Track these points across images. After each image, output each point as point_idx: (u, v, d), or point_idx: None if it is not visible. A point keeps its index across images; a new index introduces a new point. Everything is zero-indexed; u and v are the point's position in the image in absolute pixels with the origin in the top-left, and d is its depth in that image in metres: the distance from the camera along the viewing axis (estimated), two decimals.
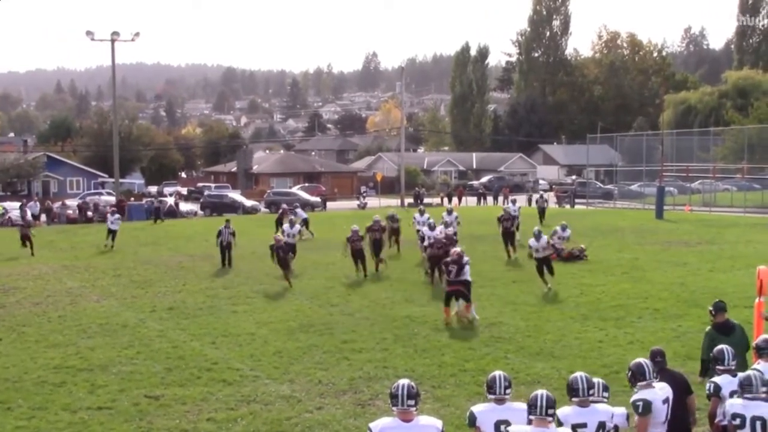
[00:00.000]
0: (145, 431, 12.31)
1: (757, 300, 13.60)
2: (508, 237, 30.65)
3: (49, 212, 55.84)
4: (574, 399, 7.84)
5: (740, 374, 8.71)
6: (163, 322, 20.08)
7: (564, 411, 7.79)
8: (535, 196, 45.95)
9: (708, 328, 11.49)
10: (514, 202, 39.25)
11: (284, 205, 44.75)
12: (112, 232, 36.74)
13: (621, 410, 8.28)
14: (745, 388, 8.40)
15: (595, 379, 8.35)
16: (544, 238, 23.60)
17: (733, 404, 8.40)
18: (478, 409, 7.97)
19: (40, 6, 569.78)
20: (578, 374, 7.99)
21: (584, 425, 7.70)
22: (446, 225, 30.20)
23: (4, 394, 14.16)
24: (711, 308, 11.79)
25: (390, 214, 33.84)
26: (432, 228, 28.44)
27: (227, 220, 31.41)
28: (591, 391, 7.88)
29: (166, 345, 17.60)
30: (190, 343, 17.68)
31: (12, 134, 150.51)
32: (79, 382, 14.83)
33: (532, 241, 23.51)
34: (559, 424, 7.67)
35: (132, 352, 17.03)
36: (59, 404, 13.56)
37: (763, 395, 8.34)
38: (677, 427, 8.77)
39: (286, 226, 30.66)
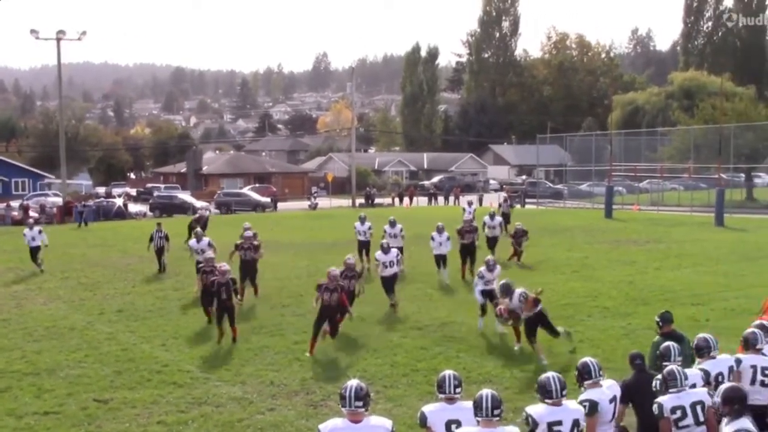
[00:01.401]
0: None
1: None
2: (468, 253, 25.72)
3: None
4: (547, 400, 7.87)
5: (665, 370, 8.77)
6: (112, 324, 19.83)
7: (537, 409, 7.79)
8: (499, 199, 43.38)
9: (656, 337, 11.61)
10: (470, 204, 38.56)
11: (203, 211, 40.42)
12: (34, 251, 29.05)
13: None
14: (670, 383, 8.50)
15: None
16: (498, 268, 19.19)
17: (668, 399, 8.44)
18: (428, 408, 7.98)
19: None
20: (550, 374, 7.98)
21: (560, 423, 7.73)
22: (391, 237, 26.12)
23: None
24: (658, 319, 11.83)
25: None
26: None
27: (158, 224, 29.68)
28: (564, 392, 7.90)
29: (115, 348, 17.39)
30: (140, 346, 17.50)
31: None
32: (24, 387, 14.59)
33: (483, 270, 18.60)
34: (534, 423, 7.69)
35: (80, 355, 16.80)
36: (4, 409, 13.33)
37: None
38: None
39: (192, 242, 24.81)
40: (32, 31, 57.39)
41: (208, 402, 13.49)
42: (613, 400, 8.66)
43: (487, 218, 29.64)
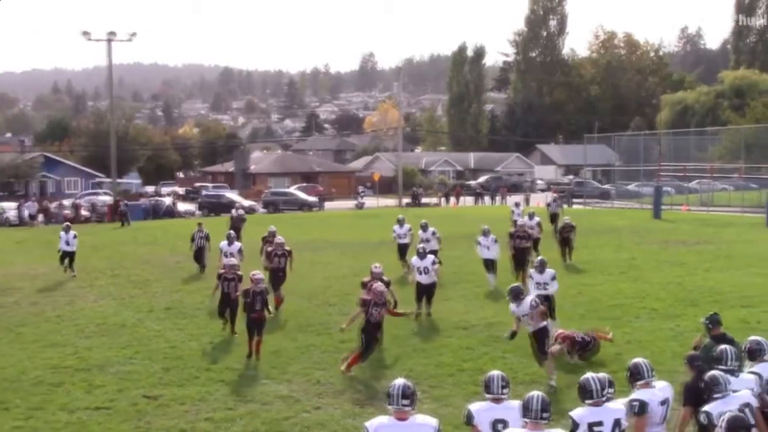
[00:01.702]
0: (143, 431, 12.29)
1: None
2: (523, 260, 23.90)
3: (46, 212, 55.76)
4: (587, 401, 7.82)
5: (706, 375, 8.60)
6: (161, 321, 20.06)
7: (578, 412, 7.77)
8: (547, 199, 41.79)
9: (706, 340, 11.45)
10: (517, 205, 37.90)
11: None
12: (68, 255, 27.95)
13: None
14: (714, 389, 8.36)
15: (604, 375, 8.34)
16: (551, 271, 17.65)
17: (714, 406, 8.19)
18: (475, 407, 7.98)
19: (37, 6, 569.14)
20: (590, 375, 7.96)
21: (600, 423, 7.69)
22: (424, 241, 24.72)
23: (1, 395, 14.14)
24: (707, 321, 11.66)
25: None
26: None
27: (199, 224, 29.41)
28: (605, 392, 7.86)
29: (163, 345, 17.59)
30: (188, 343, 17.67)
31: (9, 134, 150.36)
32: (76, 382, 14.82)
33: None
34: (575, 424, 7.66)
35: (130, 351, 17.02)
36: (57, 404, 13.55)
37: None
38: None
39: (223, 243, 24.06)
40: (84, 33, 58.20)
41: (255, 400, 13.58)
42: (665, 402, 8.57)
43: (526, 219, 29.51)
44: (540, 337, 14.20)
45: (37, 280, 26.86)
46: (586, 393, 7.83)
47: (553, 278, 17.48)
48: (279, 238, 22.66)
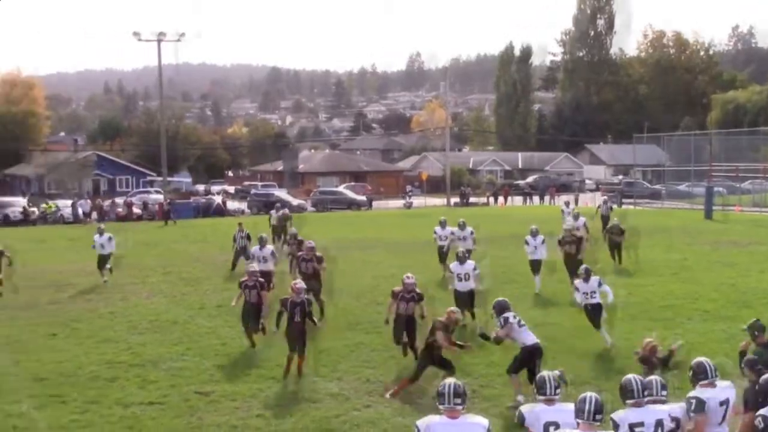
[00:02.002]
0: (195, 427, 12.41)
1: None
2: (573, 265, 22.49)
3: (100, 210, 56.53)
4: (628, 401, 7.76)
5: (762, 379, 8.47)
6: (212, 319, 20.24)
7: (619, 414, 7.70)
8: (597, 200, 40.11)
9: (754, 347, 11.24)
10: (567, 204, 37.50)
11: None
12: (105, 259, 26.55)
13: (678, 405, 8.18)
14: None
15: (653, 378, 8.25)
16: (596, 279, 16.97)
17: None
18: (527, 409, 7.95)
19: (88, 7, 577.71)
20: (631, 376, 7.91)
21: (641, 424, 7.61)
22: (461, 240, 25.31)
23: (59, 388, 14.37)
24: (750, 329, 11.37)
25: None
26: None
27: (240, 224, 29.49)
28: (646, 392, 7.79)
29: (215, 342, 17.74)
30: (239, 340, 17.78)
31: (63, 134, 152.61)
32: (130, 378, 15.01)
33: (578, 282, 16.95)
34: (615, 425, 7.60)
35: (182, 348, 17.20)
36: (112, 399, 13.73)
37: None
38: None
39: (255, 248, 22.84)
40: (134, 34, 59.00)
41: (305, 397, 13.64)
42: (724, 402, 8.44)
43: (570, 219, 29.03)
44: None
45: (90, 276, 27.20)
46: (626, 393, 7.77)
47: (600, 284, 16.69)
48: (309, 243, 21.15)
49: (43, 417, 12.90)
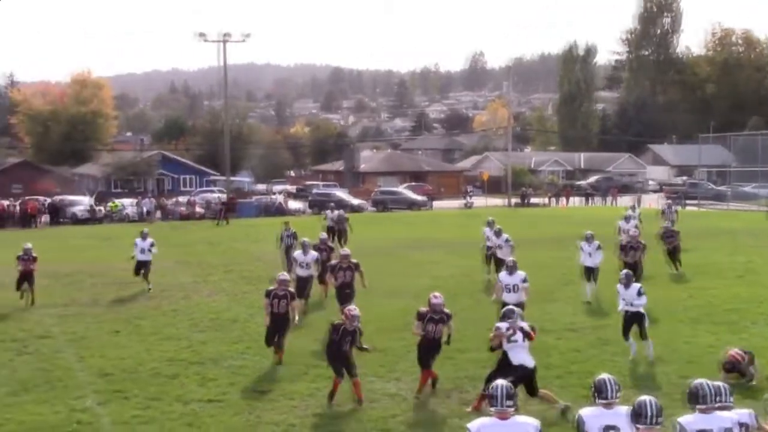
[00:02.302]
0: (253, 425, 12.54)
1: None
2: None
3: (163, 209, 57.36)
4: (698, 406, 7.62)
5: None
6: None
7: (686, 419, 7.58)
8: (661, 204, 37.88)
9: None
10: (633, 208, 36.31)
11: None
12: (142, 266, 25.27)
13: (746, 411, 8.04)
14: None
15: (719, 383, 8.11)
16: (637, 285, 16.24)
17: None
18: (585, 412, 7.87)
19: (155, 9, 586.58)
20: (702, 381, 7.77)
21: (709, 431, 7.49)
22: (497, 248, 24.39)
23: (121, 384, 14.64)
24: None
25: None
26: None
27: (286, 222, 29.29)
28: (718, 398, 7.65)
29: None
30: (298, 340, 17.89)
31: (129, 133, 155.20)
32: (191, 375, 15.23)
33: (619, 287, 16.24)
34: (682, 431, 7.48)
35: (242, 347, 17.38)
36: (173, 395, 13.94)
37: None
38: None
39: (297, 253, 21.90)
40: (200, 35, 59.64)
41: (363, 397, 13.68)
42: None
43: (622, 222, 28.62)
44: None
45: (154, 274, 27.58)
46: (697, 398, 7.63)
47: (640, 294, 15.82)
48: (345, 250, 20.29)
49: (107, 412, 13.15)
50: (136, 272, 25.10)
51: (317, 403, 13.40)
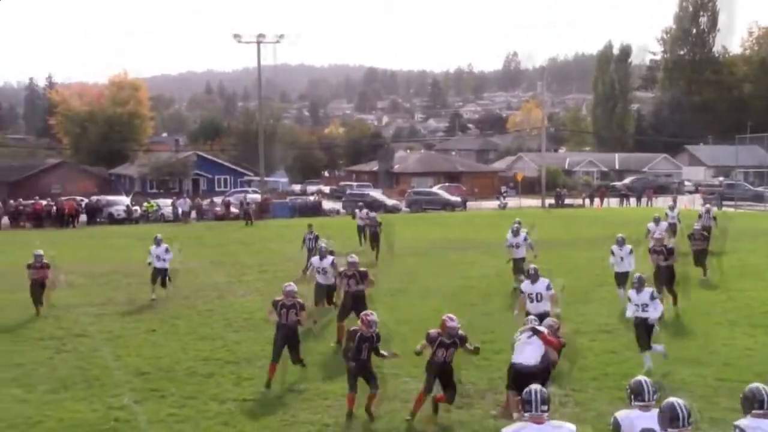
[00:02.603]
0: (288, 424, 12.58)
1: None
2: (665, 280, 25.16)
3: (199, 209, 57.72)
4: (755, 411, 7.48)
5: None
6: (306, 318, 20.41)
7: (744, 422, 7.40)
8: (697, 206, 35.10)
9: None
10: (672, 208, 35.58)
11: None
12: (160, 273, 23.77)
13: None
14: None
15: None
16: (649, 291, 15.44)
17: None
18: (622, 415, 7.80)
19: (190, 10, 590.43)
20: (760, 385, 7.62)
21: None
22: (514, 247, 24.18)
23: (158, 383, 14.76)
24: None
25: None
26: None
27: (309, 225, 28.85)
28: None
29: (309, 341, 17.89)
30: (332, 340, 17.96)
31: (165, 134, 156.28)
32: (226, 374, 15.32)
33: (631, 292, 15.61)
34: None
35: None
36: (208, 394, 14.03)
37: None
38: None
39: (314, 258, 21.06)
40: (235, 36, 59.96)
41: (397, 397, 13.69)
42: None
43: (651, 225, 27.80)
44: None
45: (189, 274, 27.82)
46: (754, 403, 7.48)
47: (653, 298, 15.03)
48: (352, 257, 18.56)
49: (143, 410, 13.27)
50: (153, 280, 23.49)
51: None
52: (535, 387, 7.52)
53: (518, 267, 23.38)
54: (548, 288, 15.87)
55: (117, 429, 12.50)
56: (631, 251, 21.60)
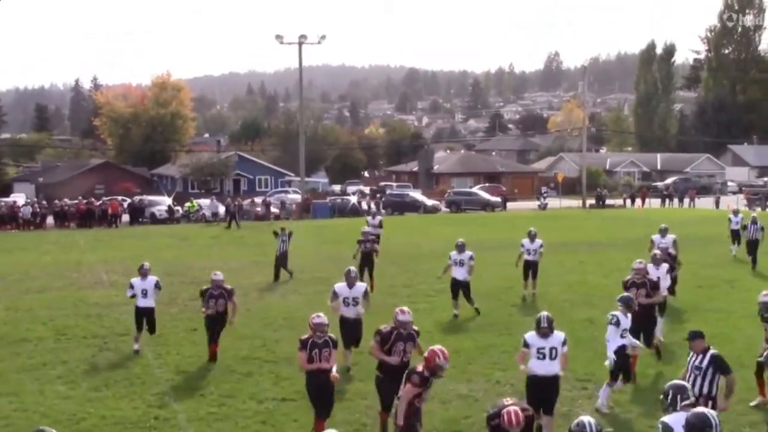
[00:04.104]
0: (327, 424, 12.62)
1: None
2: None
3: (239, 209, 58.06)
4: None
5: None
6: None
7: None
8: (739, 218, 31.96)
9: None
10: (736, 213, 32.85)
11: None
12: (144, 314, 17.88)
13: None
14: None
15: None
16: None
17: None
18: (670, 420, 7.74)
19: (233, 12, 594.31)
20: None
21: None
22: (531, 254, 23.24)
23: (197, 382, 14.91)
24: None
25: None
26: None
27: (282, 228, 28.70)
28: None
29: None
30: (371, 340, 17.98)
31: (207, 135, 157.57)
32: (264, 373, 15.42)
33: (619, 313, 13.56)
34: None
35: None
36: (247, 393, 14.14)
37: None
38: None
39: (339, 286, 16.24)
40: (277, 37, 60.15)
41: (435, 398, 13.64)
42: None
43: (657, 237, 23.92)
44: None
45: (229, 273, 27.90)
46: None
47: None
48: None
49: (182, 409, 13.41)
50: (138, 324, 17.86)
51: None
52: (585, 419, 7.32)
53: (528, 272, 23.08)
54: (563, 344, 11.85)
55: (157, 427, 12.65)
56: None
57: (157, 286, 18.17)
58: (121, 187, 77.47)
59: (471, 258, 20.61)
